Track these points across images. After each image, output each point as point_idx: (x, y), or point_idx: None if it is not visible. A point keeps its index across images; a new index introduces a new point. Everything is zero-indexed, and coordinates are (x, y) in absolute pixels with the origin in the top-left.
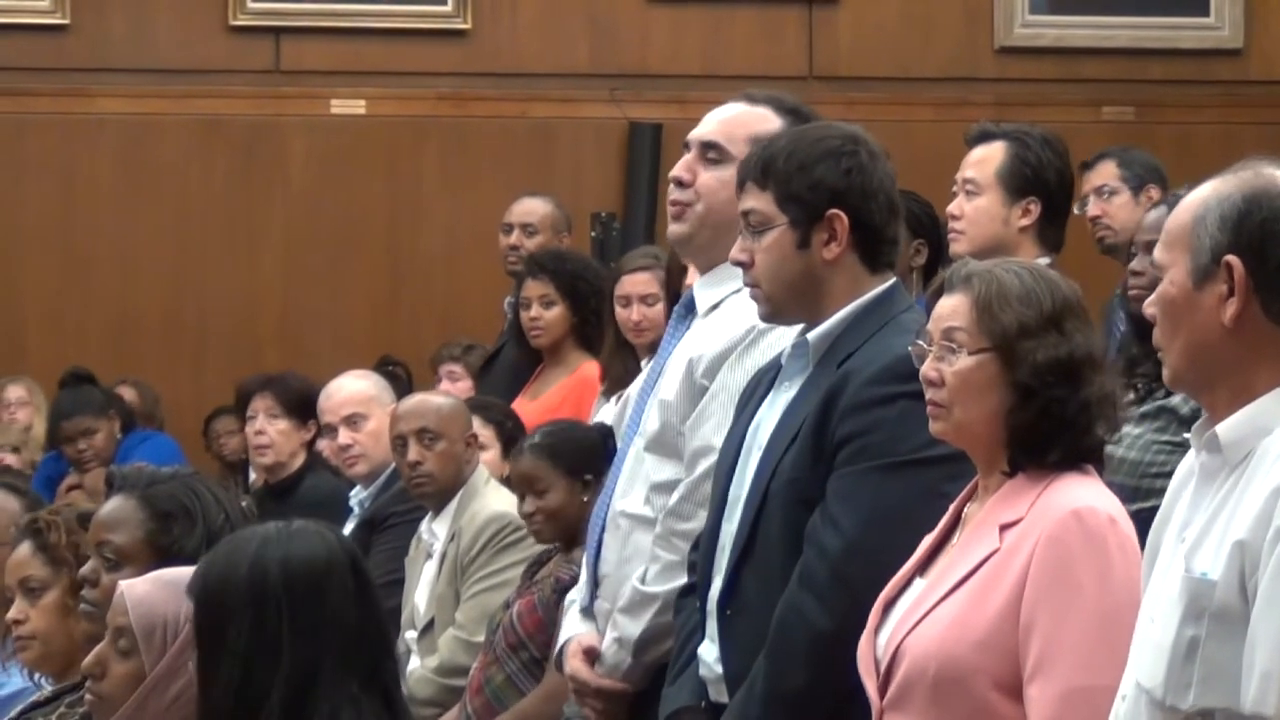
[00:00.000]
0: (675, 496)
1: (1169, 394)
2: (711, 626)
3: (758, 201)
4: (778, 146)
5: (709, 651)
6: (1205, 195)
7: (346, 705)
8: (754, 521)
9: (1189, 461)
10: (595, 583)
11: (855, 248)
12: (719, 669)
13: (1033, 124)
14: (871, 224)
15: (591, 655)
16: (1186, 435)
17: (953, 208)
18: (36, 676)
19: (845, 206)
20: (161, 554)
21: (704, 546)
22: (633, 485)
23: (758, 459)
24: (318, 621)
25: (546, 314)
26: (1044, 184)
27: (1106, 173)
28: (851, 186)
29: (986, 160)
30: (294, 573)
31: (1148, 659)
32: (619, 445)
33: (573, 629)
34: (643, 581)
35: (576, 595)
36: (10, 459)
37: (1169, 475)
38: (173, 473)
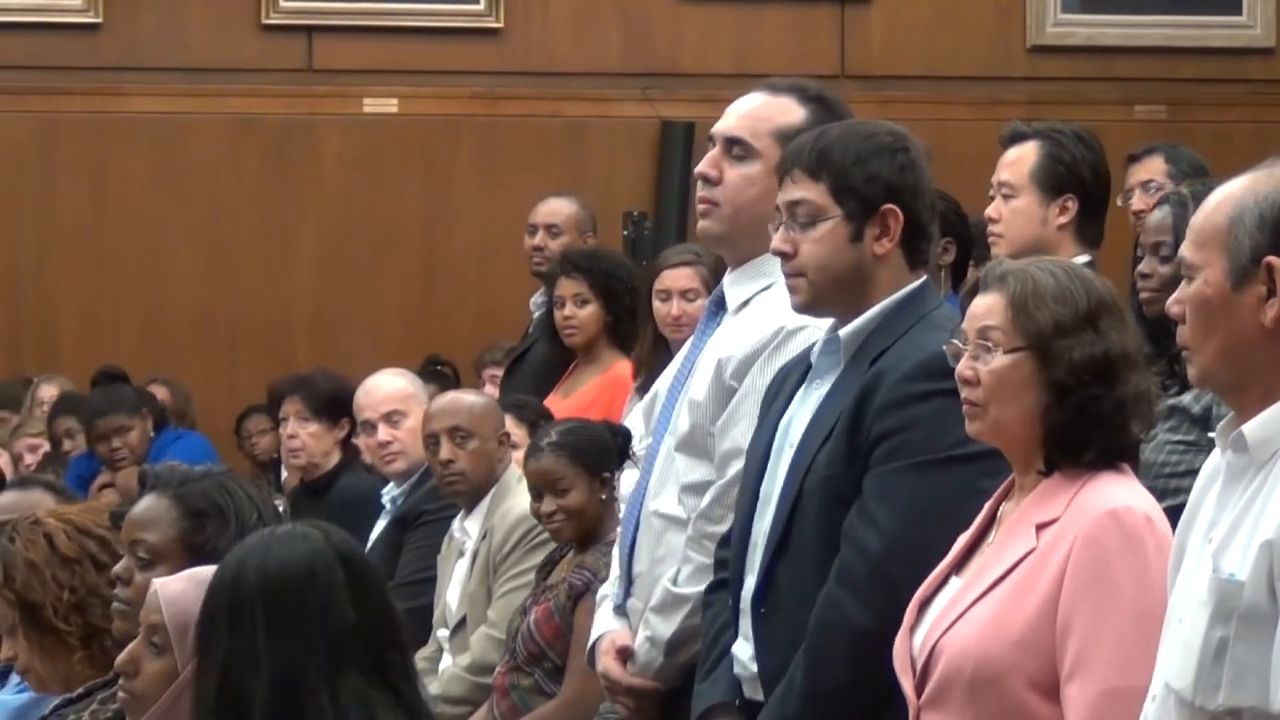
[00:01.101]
0: (707, 499)
1: (1180, 393)
2: (745, 625)
3: (809, 192)
4: (831, 138)
5: (743, 650)
6: (1238, 195)
7: (352, 703)
8: (788, 519)
9: (1214, 461)
10: (629, 580)
11: (902, 244)
12: (754, 667)
13: (1065, 121)
14: (920, 221)
15: (624, 653)
16: (1199, 434)
17: (990, 211)
18: None
19: (899, 202)
20: (194, 553)
21: (735, 544)
22: (664, 485)
23: (790, 456)
24: (297, 625)
25: (580, 312)
26: (1080, 180)
27: (1154, 168)
28: (905, 183)
29: (1020, 161)
30: (269, 579)
31: (1176, 659)
32: (651, 442)
33: (605, 626)
34: (674, 583)
35: (609, 591)
36: (48, 446)
37: (1184, 474)
38: (206, 471)
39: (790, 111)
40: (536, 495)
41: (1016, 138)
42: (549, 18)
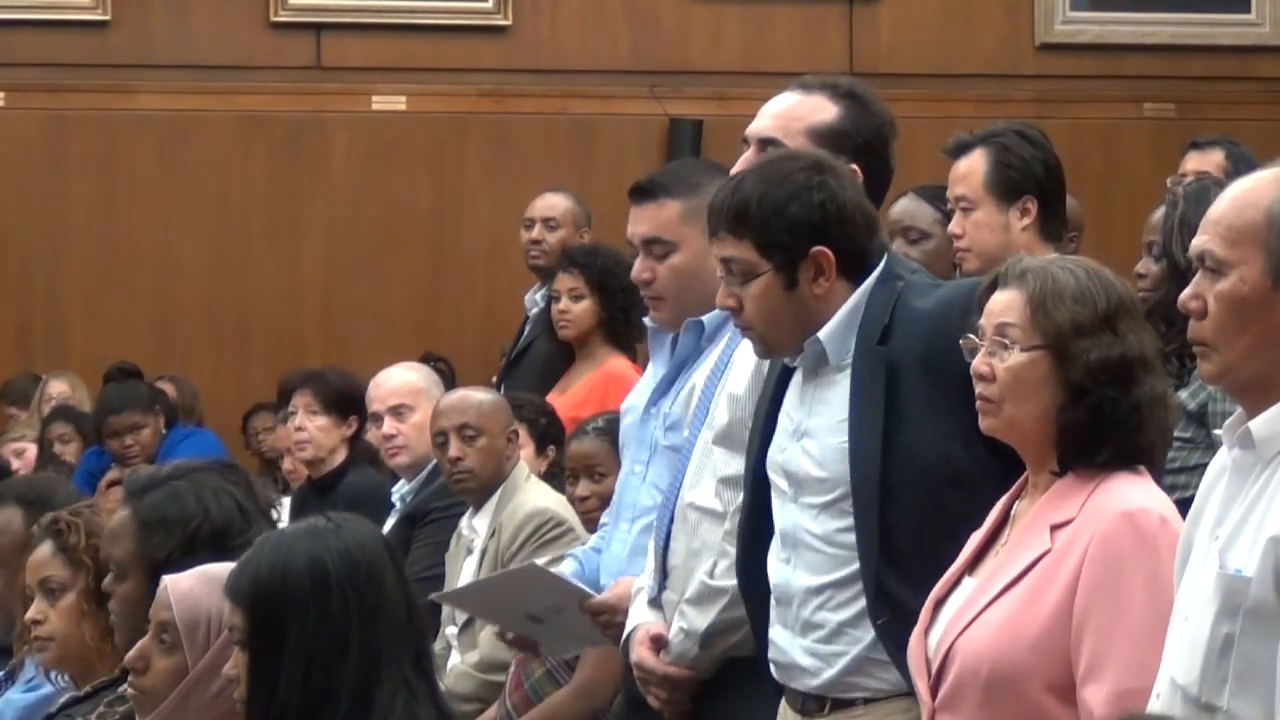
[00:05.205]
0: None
1: (1176, 389)
2: (783, 615)
3: (736, 250)
4: (746, 192)
5: (782, 637)
6: (1271, 192)
7: (402, 689)
8: (881, 520)
9: (1222, 457)
10: (663, 573)
11: (841, 272)
12: (799, 660)
13: (1008, 119)
14: (853, 246)
15: (658, 643)
16: (1195, 431)
17: (953, 227)
18: (53, 674)
19: (825, 241)
20: (152, 567)
21: (741, 541)
22: (700, 477)
23: (820, 456)
24: (378, 607)
25: (575, 307)
26: (1034, 180)
27: (1213, 161)
28: (828, 217)
29: (971, 173)
30: (354, 562)
31: (1183, 656)
32: (686, 434)
33: (639, 617)
34: (711, 575)
35: (644, 584)
36: (33, 450)
37: (1179, 471)
38: (170, 472)
39: (822, 109)
40: (573, 479)
41: (961, 148)
42: (557, 15)
